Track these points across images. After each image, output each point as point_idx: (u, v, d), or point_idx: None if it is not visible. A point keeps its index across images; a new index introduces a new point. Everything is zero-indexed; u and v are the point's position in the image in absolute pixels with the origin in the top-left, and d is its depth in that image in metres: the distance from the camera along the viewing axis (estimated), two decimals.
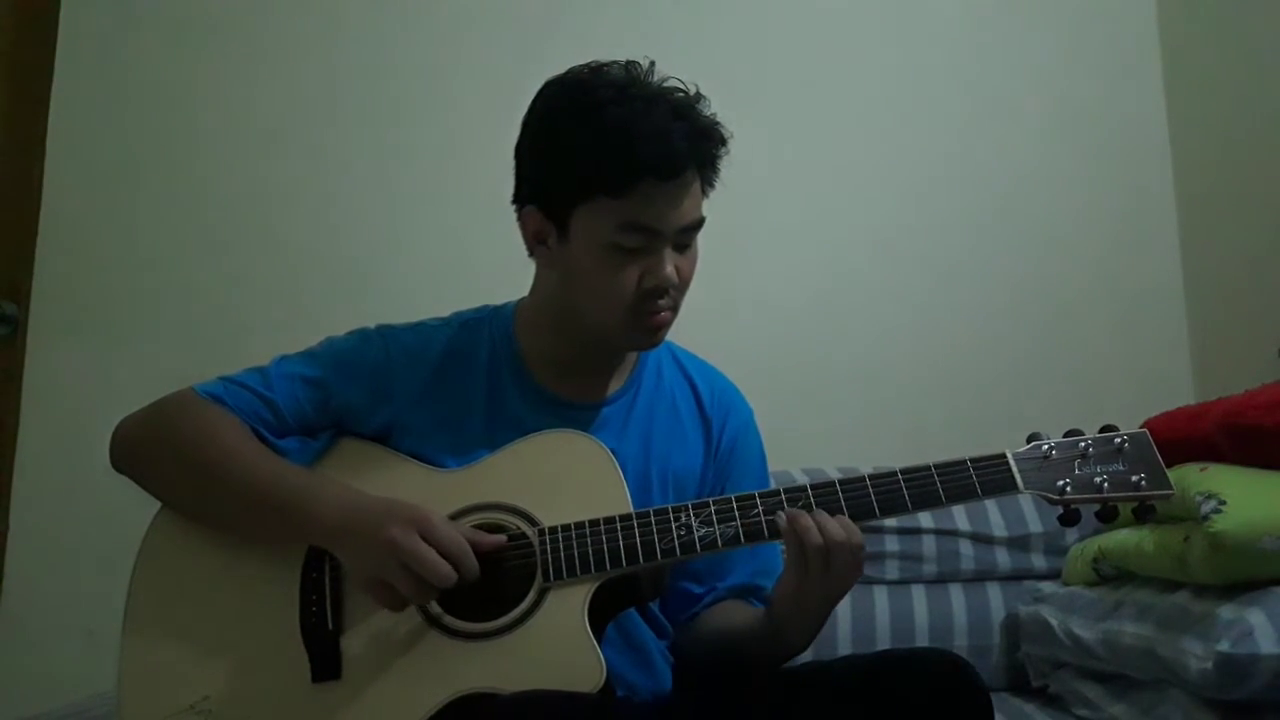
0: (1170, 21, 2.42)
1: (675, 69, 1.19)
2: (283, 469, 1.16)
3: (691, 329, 1.31)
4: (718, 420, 1.34)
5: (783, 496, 1.11)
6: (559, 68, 1.22)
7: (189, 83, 2.27)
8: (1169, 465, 1.12)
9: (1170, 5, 2.42)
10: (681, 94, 1.17)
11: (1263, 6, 2.16)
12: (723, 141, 1.18)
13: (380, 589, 1.08)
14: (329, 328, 1.31)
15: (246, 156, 2.26)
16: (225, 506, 1.17)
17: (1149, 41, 2.43)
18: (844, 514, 1.09)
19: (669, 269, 1.16)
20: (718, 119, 1.18)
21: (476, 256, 2.15)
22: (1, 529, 2.11)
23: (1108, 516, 1.10)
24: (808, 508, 1.09)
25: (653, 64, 1.18)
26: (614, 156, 1.11)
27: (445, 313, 1.34)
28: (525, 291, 1.33)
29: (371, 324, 1.31)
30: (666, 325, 1.21)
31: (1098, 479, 1.09)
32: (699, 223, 1.19)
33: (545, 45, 2.26)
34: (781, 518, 1.09)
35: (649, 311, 1.18)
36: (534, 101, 1.22)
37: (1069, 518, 1.10)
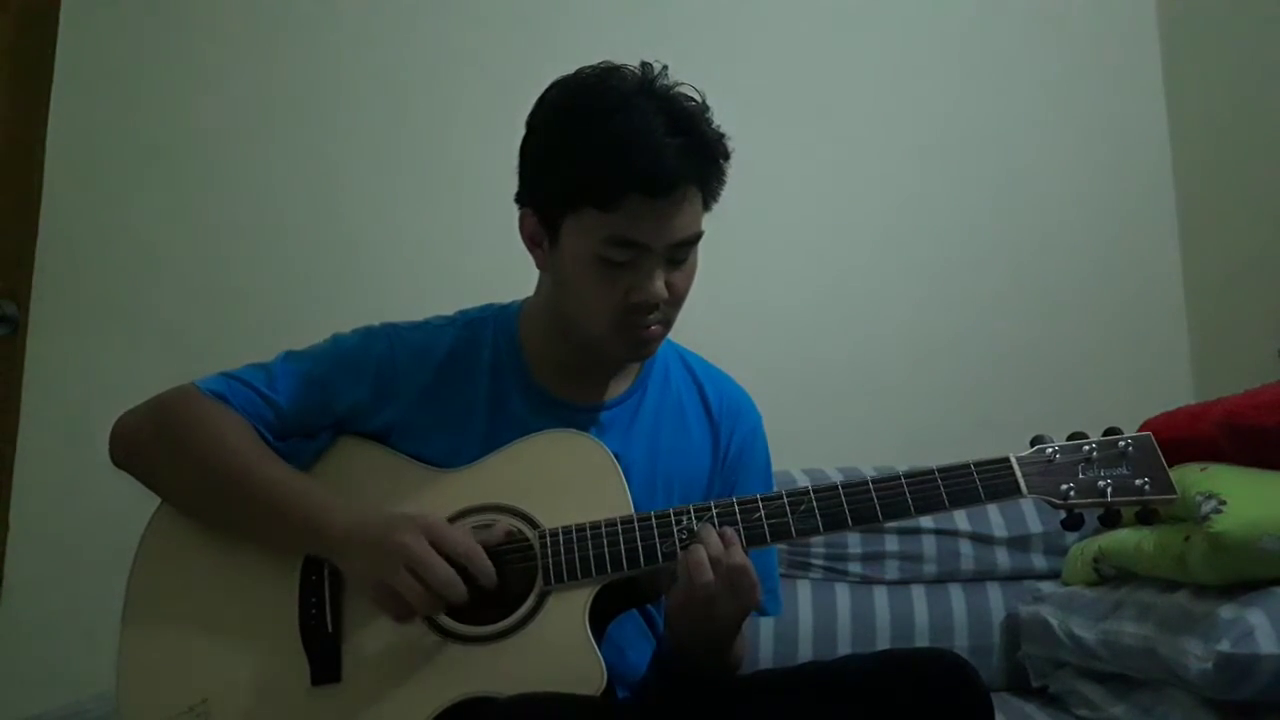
0: (1170, 22, 2.42)
1: (673, 70, 1.16)
2: (287, 477, 1.16)
3: (691, 329, 1.30)
4: (725, 427, 1.32)
5: (785, 500, 1.10)
6: (561, 64, 1.20)
7: (189, 83, 2.27)
8: (1169, 465, 1.11)
9: (1170, 6, 2.42)
10: (692, 103, 1.14)
11: (1263, 7, 2.16)
12: (725, 157, 1.15)
13: (387, 597, 1.06)
14: (329, 327, 1.31)
15: (246, 156, 2.26)
16: (226, 509, 1.16)
17: (1149, 42, 2.43)
18: (846, 517, 1.09)
19: (657, 285, 1.13)
20: (722, 132, 1.15)
21: (476, 255, 2.15)
22: (2, 529, 2.11)
23: (1111, 521, 1.10)
24: (810, 512, 1.09)
25: (665, 68, 1.15)
26: (603, 169, 1.09)
27: (446, 311, 1.33)
28: (524, 291, 1.32)
29: (371, 323, 1.30)
30: (657, 339, 1.19)
31: (1101, 483, 1.08)
32: (694, 237, 1.15)
33: (548, 42, 2.27)
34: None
35: (637, 325, 1.16)
36: (539, 101, 1.20)
37: (1072, 522, 1.09)
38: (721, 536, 1.07)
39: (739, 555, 1.06)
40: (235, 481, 1.14)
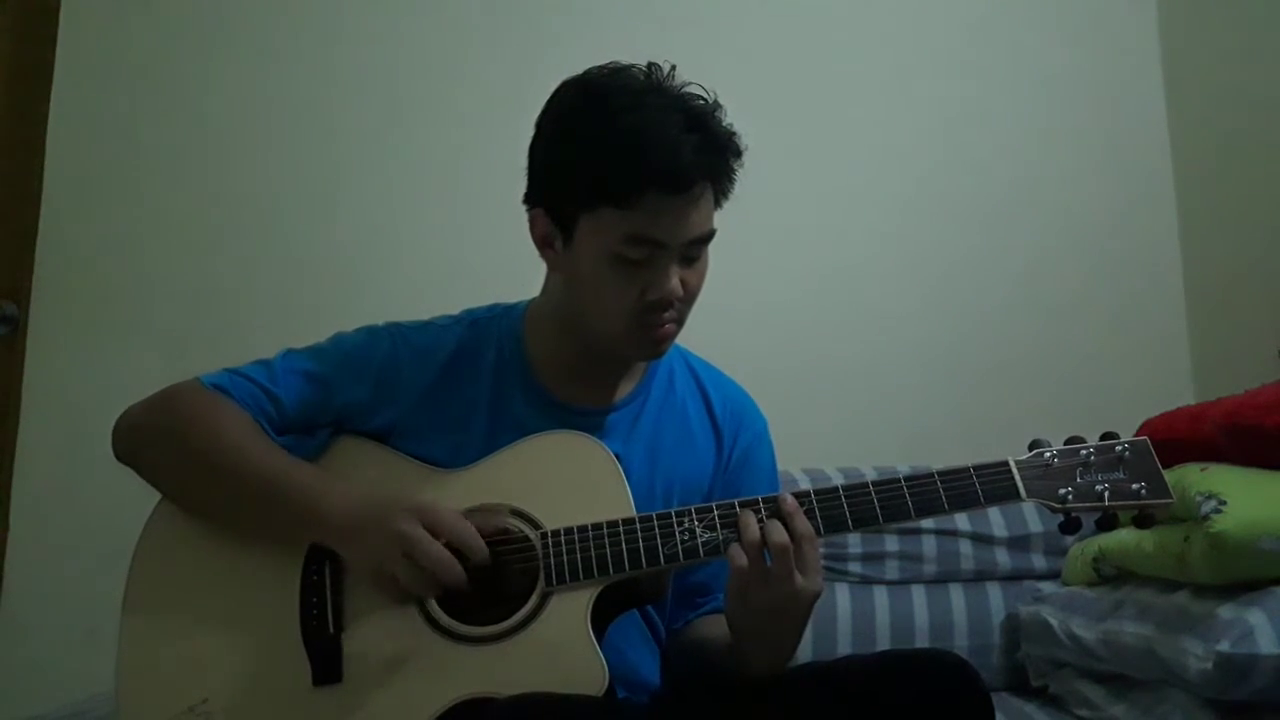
0: (1170, 21, 2.42)
1: (677, 70, 1.16)
2: (289, 466, 1.16)
3: (693, 329, 1.29)
4: (729, 432, 1.32)
5: None
6: (563, 66, 1.20)
7: (189, 83, 2.27)
8: (1169, 465, 1.12)
9: (1170, 5, 2.43)
10: (701, 102, 1.14)
11: (1263, 6, 2.16)
12: (738, 154, 1.15)
13: (385, 581, 1.08)
14: (329, 327, 1.31)
15: (247, 156, 2.26)
16: (229, 500, 1.16)
17: (1149, 41, 2.43)
18: (847, 519, 1.09)
19: (674, 282, 1.14)
20: (734, 129, 1.15)
21: (479, 256, 2.16)
22: (1, 529, 2.11)
23: (1108, 525, 1.10)
24: (810, 513, 1.08)
25: (673, 68, 1.15)
26: (621, 167, 1.09)
27: (447, 312, 1.32)
28: (529, 292, 1.31)
29: (372, 323, 1.29)
30: (671, 337, 1.20)
31: (1099, 487, 1.09)
32: (708, 235, 1.16)
33: (550, 43, 2.27)
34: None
35: (652, 324, 1.16)
36: (549, 101, 1.19)
37: (1070, 526, 1.10)
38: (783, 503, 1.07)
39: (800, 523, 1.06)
40: (235, 472, 1.14)
